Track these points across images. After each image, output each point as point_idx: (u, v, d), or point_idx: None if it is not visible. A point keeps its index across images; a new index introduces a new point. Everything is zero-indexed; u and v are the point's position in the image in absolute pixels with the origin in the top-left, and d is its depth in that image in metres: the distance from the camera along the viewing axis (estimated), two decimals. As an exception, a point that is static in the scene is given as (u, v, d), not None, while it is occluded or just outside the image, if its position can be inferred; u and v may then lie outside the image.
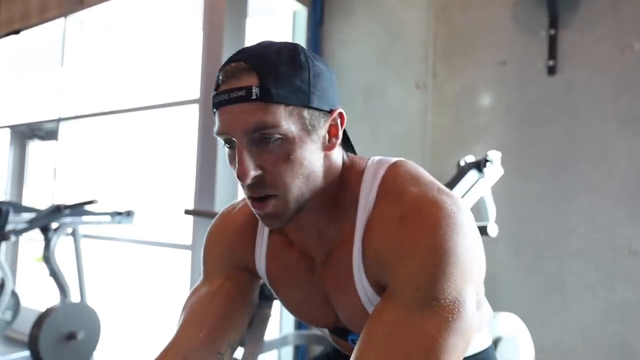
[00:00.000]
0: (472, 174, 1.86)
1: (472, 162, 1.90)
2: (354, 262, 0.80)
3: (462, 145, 2.54)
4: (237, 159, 0.72)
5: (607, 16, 2.21)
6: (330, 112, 0.78)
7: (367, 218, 0.79)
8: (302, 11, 3.14)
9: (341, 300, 0.85)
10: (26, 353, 2.69)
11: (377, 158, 0.85)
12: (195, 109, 2.77)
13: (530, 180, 2.36)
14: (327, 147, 0.79)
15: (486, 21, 2.52)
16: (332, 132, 0.79)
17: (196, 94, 2.76)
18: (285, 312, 2.97)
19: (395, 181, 0.79)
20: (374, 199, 0.79)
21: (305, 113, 0.74)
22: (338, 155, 0.83)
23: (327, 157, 0.79)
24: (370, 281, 0.79)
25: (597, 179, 2.20)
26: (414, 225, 0.71)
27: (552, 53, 2.30)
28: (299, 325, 2.98)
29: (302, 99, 0.73)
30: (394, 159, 0.84)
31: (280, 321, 2.97)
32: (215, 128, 0.75)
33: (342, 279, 0.82)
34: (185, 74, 3.23)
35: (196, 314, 0.91)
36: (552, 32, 2.30)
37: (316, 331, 2.69)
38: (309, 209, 0.79)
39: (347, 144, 0.88)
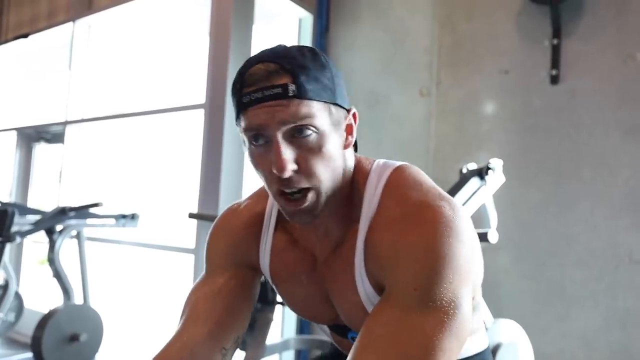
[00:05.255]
0: (474, 181, 1.87)
1: (474, 170, 1.92)
2: (355, 262, 0.82)
3: (465, 152, 2.55)
4: (274, 152, 0.73)
5: (610, 26, 2.23)
6: (348, 110, 0.82)
7: (370, 219, 0.81)
8: (308, 18, 3.17)
9: (341, 298, 0.87)
10: (29, 354, 2.70)
11: (382, 161, 0.88)
12: (200, 114, 2.79)
13: (532, 188, 2.37)
14: (345, 145, 0.82)
15: (490, 30, 2.55)
16: (348, 130, 0.83)
17: (202, 99, 2.79)
18: (287, 316, 2.98)
19: (398, 184, 0.82)
20: (377, 200, 0.82)
21: (333, 109, 0.78)
22: (351, 155, 0.86)
23: (344, 156, 0.82)
24: (371, 281, 0.81)
25: (599, 188, 2.21)
26: (412, 228, 0.74)
27: (555, 62, 2.32)
28: (300, 330, 2.99)
29: (329, 95, 0.76)
30: (398, 163, 0.87)
31: (282, 325, 2.98)
32: (244, 124, 0.75)
33: (343, 278, 0.84)
34: (192, 79, 3.26)
35: (201, 310, 0.91)
36: (555, 41, 2.32)
37: (317, 336, 2.70)
38: (327, 207, 0.81)
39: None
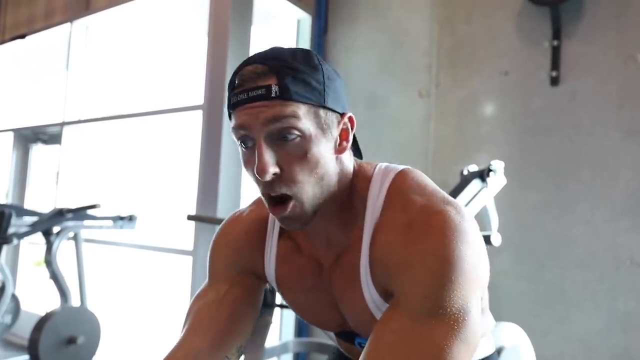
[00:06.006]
0: (475, 183, 1.86)
1: (475, 172, 1.90)
2: (361, 268, 0.81)
3: (464, 154, 2.54)
4: (256, 155, 0.73)
5: (610, 27, 2.23)
6: (342, 115, 0.80)
7: (375, 225, 0.80)
8: (307, 19, 3.16)
9: (348, 304, 0.86)
10: (26, 357, 2.68)
11: (384, 165, 0.86)
12: (199, 115, 2.78)
13: (532, 190, 2.36)
14: (339, 150, 0.80)
15: (489, 31, 2.54)
16: (343, 135, 0.81)
17: (200, 100, 2.77)
18: (286, 319, 2.96)
19: (401, 189, 0.80)
20: (381, 206, 0.80)
21: (321, 112, 0.76)
22: (349, 160, 0.84)
23: (339, 161, 0.80)
24: (377, 287, 0.80)
25: (599, 189, 2.20)
26: (420, 234, 0.72)
27: (555, 64, 2.31)
28: (299, 333, 2.97)
29: (317, 98, 0.75)
30: (400, 167, 0.85)
31: (280, 328, 2.96)
32: (232, 124, 0.76)
33: (349, 284, 0.83)
34: (190, 80, 3.25)
35: (204, 318, 0.90)
36: (555, 42, 2.31)
37: (316, 338, 2.68)
38: (321, 213, 0.79)
39: (355, 150, 0.90)
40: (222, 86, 2.64)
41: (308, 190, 0.75)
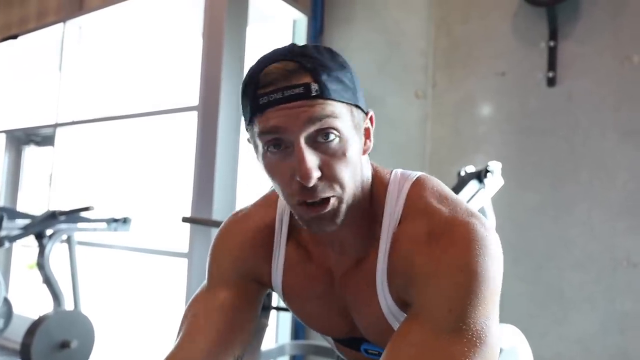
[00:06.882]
0: (473, 184, 1.85)
1: (473, 173, 1.90)
2: (377, 277, 0.78)
3: (461, 155, 2.53)
4: (296, 159, 0.67)
5: (606, 28, 2.23)
6: (366, 113, 0.78)
7: (393, 233, 0.77)
8: (302, 20, 3.15)
9: (362, 312, 0.84)
10: (18, 361, 2.65)
11: (399, 171, 0.84)
12: (193, 116, 2.76)
13: (529, 191, 2.35)
14: (364, 150, 0.77)
15: (486, 32, 2.53)
16: (366, 134, 0.78)
17: (195, 101, 2.75)
18: (282, 322, 2.94)
19: (422, 198, 0.77)
20: (399, 214, 0.78)
21: (354, 111, 0.73)
22: (368, 163, 0.81)
23: (363, 162, 0.77)
24: (394, 296, 0.78)
25: (596, 190, 2.20)
26: (445, 245, 0.70)
27: (552, 64, 2.31)
28: (295, 335, 2.95)
29: (351, 96, 0.72)
30: (416, 174, 0.83)
31: (276, 331, 2.94)
32: (260, 128, 0.69)
33: (364, 292, 0.81)
34: (184, 81, 3.23)
35: (200, 325, 0.86)
36: (552, 43, 2.31)
37: (313, 341, 2.66)
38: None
39: None
40: (217, 87, 2.62)
41: (348, 190, 0.72)
